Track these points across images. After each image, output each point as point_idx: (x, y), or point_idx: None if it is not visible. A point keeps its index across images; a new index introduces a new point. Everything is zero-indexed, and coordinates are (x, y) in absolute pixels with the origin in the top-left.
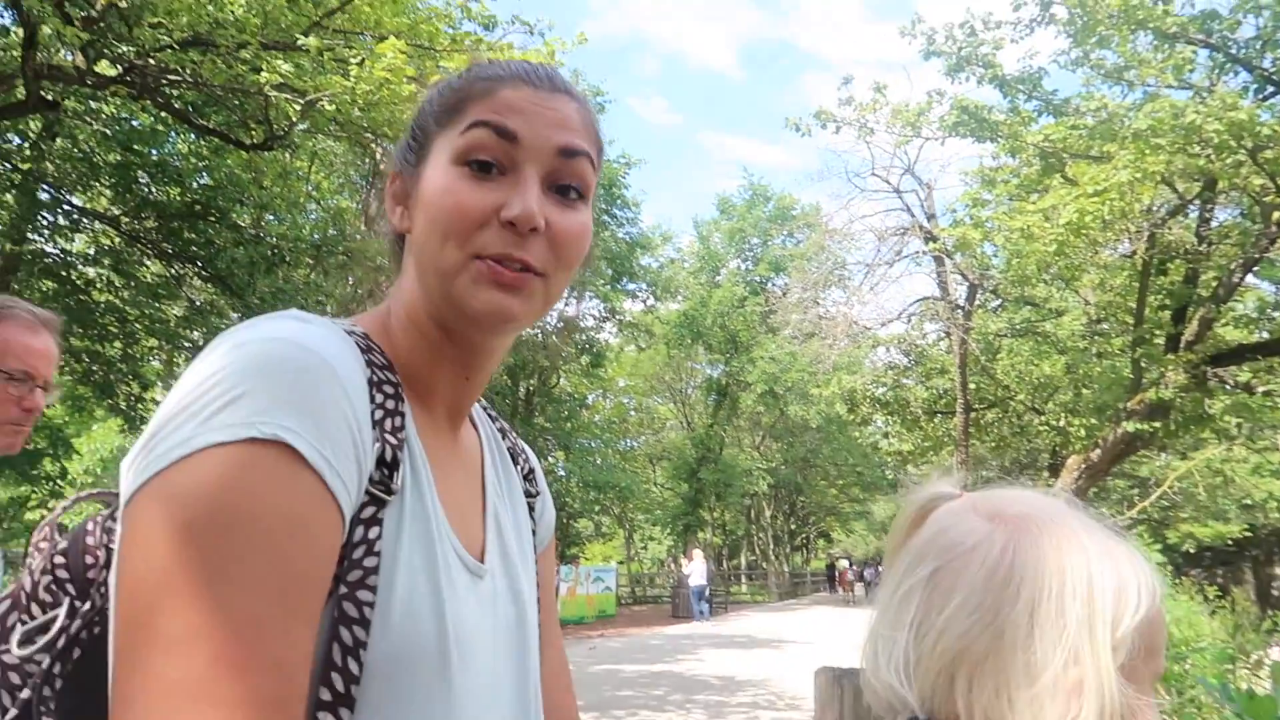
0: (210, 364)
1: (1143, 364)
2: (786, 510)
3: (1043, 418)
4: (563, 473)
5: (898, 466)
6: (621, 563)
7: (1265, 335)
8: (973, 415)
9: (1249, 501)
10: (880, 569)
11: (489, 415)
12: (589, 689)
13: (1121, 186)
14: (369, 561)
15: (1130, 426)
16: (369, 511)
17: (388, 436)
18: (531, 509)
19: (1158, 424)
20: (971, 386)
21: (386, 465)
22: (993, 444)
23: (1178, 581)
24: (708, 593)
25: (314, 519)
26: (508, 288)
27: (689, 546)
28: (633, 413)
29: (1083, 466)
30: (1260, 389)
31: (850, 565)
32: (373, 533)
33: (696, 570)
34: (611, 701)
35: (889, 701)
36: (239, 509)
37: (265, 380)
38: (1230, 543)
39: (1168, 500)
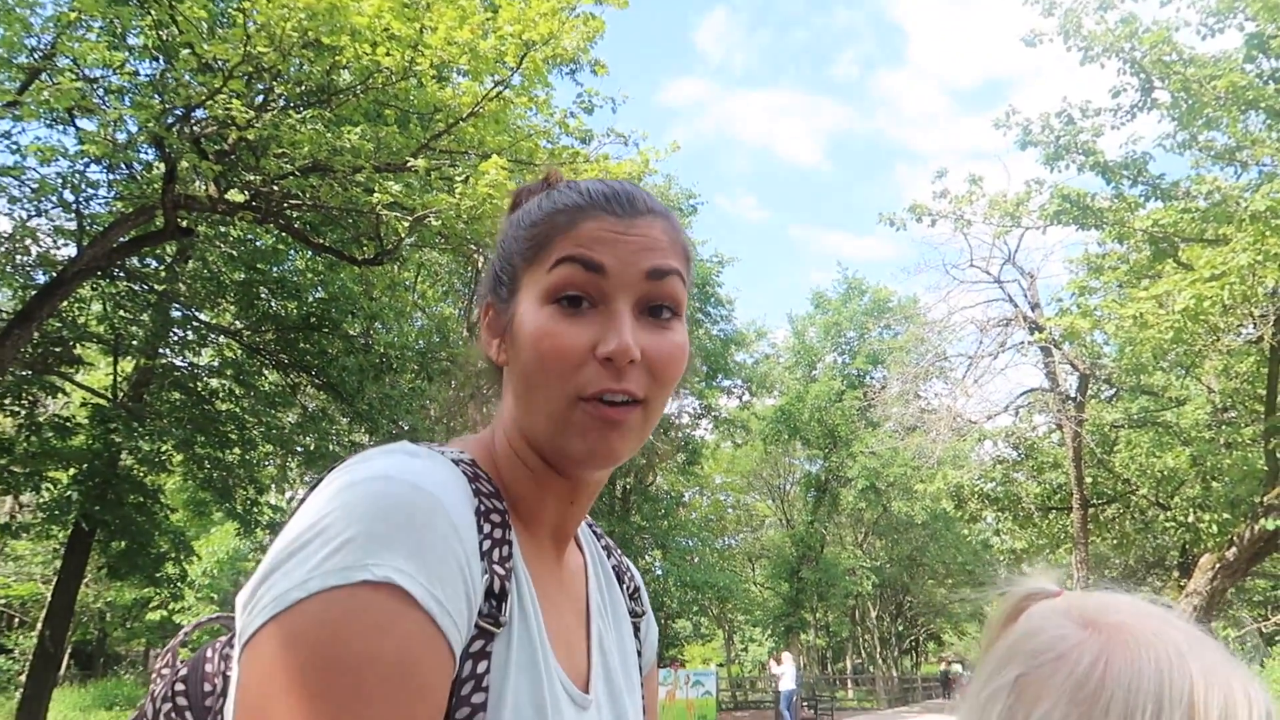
0: (323, 503)
1: (1278, 455)
2: (893, 611)
3: (1169, 513)
4: (660, 572)
5: (1011, 565)
6: (721, 665)
7: None
8: (1091, 511)
9: None
10: None
11: (594, 533)
12: None
13: (1242, 270)
14: (477, 698)
15: (1269, 523)
16: (478, 645)
17: (495, 567)
18: (637, 630)
19: None
20: (1088, 480)
21: (495, 596)
22: (1114, 541)
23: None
24: (796, 699)
25: (426, 661)
26: (612, 425)
27: (787, 648)
28: (730, 510)
29: (1217, 565)
30: None
31: (964, 670)
32: (481, 667)
33: (787, 674)
34: None
35: None
36: (353, 655)
37: (377, 521)
38: None
39: None
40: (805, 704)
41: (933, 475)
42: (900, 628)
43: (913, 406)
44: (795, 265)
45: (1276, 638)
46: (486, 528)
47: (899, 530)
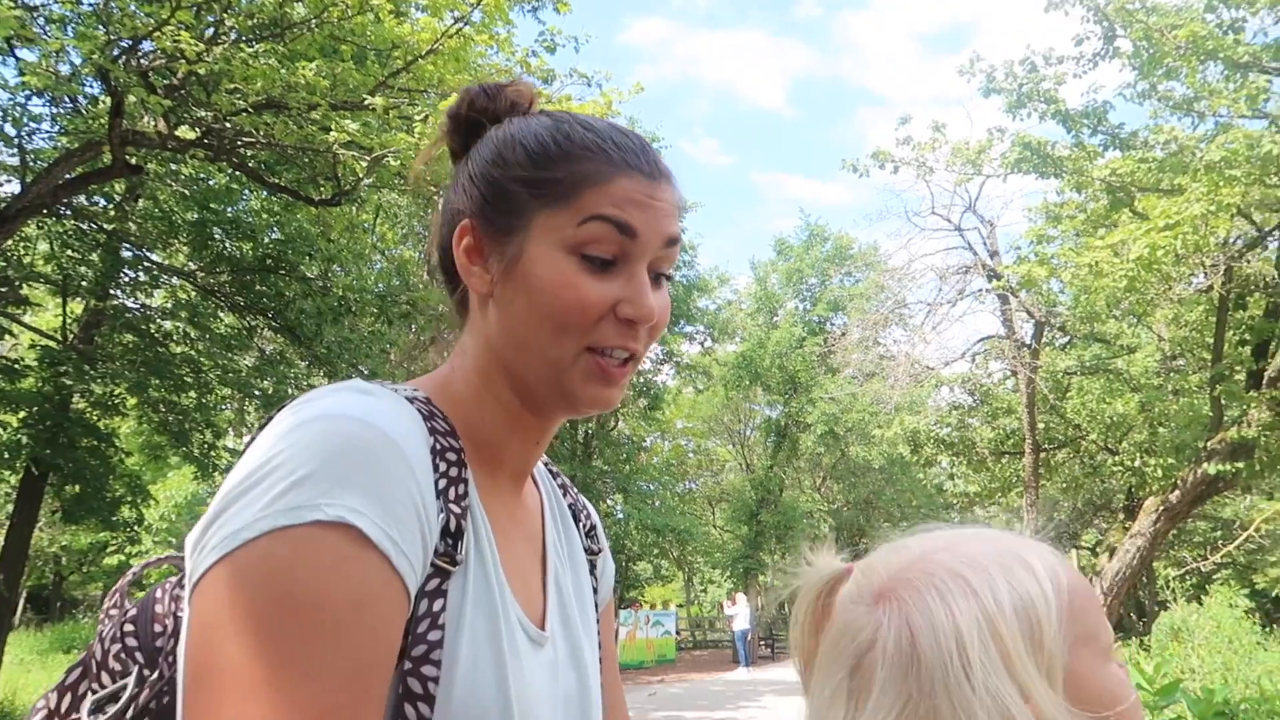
0: (274, 442)
1: (1223, 401)
2: (850, 554)
3: (1117, 458)
4: (621, 515)
5: (964, 509)
6: (681, 606)
7: None
8: (1042, 456)
9: None
10: None
11: (550, 471)
12: None
13: (1195, 220)
14: (433, 635)
15: (1211, 468)
16: (433, 584)
17: (451, 506)
18: (593, 567)
19: (1241, 464)
20: (1040, 426)
21: (451, 535)
22: (1064, 485)
23: (1269, 630)
24: (751, 638)
25: (380, 601)
26: (613, 380)
27: (744, 589)
28: (691, 455)
29: (1161, 509)
30: None
31: None
32: (437, 605)
33: (741, 614)
34: None
35: None
36: (306, 595)
37: (329, 460)
38: None
39: (1254, 543)
40: (763, 642)
41: (890, 421)
42: None
43: (872, 353)
44: (758, 211)
45: (1214, 576)
46: (442, 466)
47: (856, 475)
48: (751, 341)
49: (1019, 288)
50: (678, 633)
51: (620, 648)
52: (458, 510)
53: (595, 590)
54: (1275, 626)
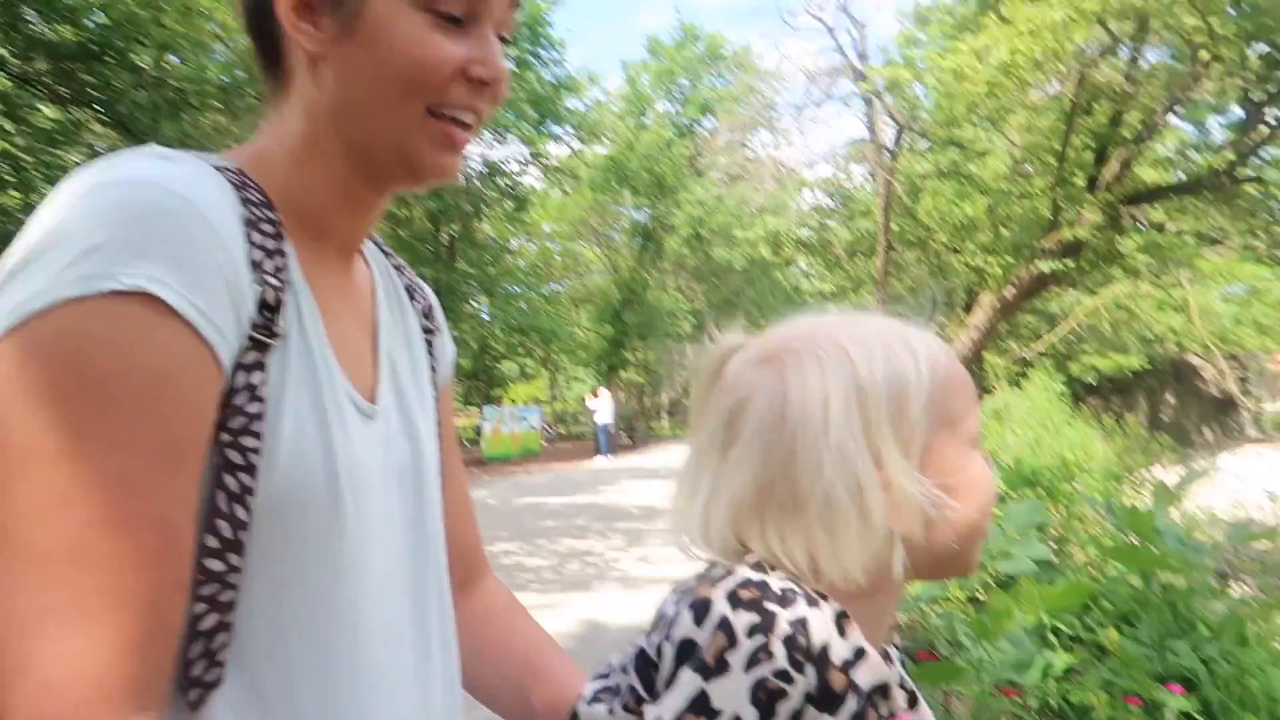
0: (65, 208)
1: (1061, 204)
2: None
3: (961, 257)
4: (486, 317)
5: (819, 307)
6: (546, 402)
7: (1182, 176)
8: (893, 256)
9: (1149, 335)
10: None
11: (383, 251)
12: (513, 522)
13: (1055, 25)
14: (253, 408)
15: (1045, 266)
16: (252, 357)
17: (269, 279)
18: (430, 347)
19: (1071, 262)
20: (894, 228)
21: (269, 308)
22: (911, 284)
23: (1077, 409)
24: (613, 430)
25: (187, 371)
26: (456, 148)
27: (607, 385)
28: (557, 257)
29: (996, 304)
30: (1171, 228)
31: None
32: (256, 378)
33: (603, 408)
34: (535, 532)
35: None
36: (105, 366)
37: (126, 227)
38: (1129, 374)
39: (1074, 334)
40: (625, 434)
41: (753, 223)
42: None
43: (738, 156)
44: (632, 7)
45: (1035, 365)
46: (257, 238)
47: (718, 276)
48: (620, 144)
49: (885, 91)
50: (542, 427)
51: (486, 442)
52: (276, 283)
53: (434, 369)
54: (1083, 406)
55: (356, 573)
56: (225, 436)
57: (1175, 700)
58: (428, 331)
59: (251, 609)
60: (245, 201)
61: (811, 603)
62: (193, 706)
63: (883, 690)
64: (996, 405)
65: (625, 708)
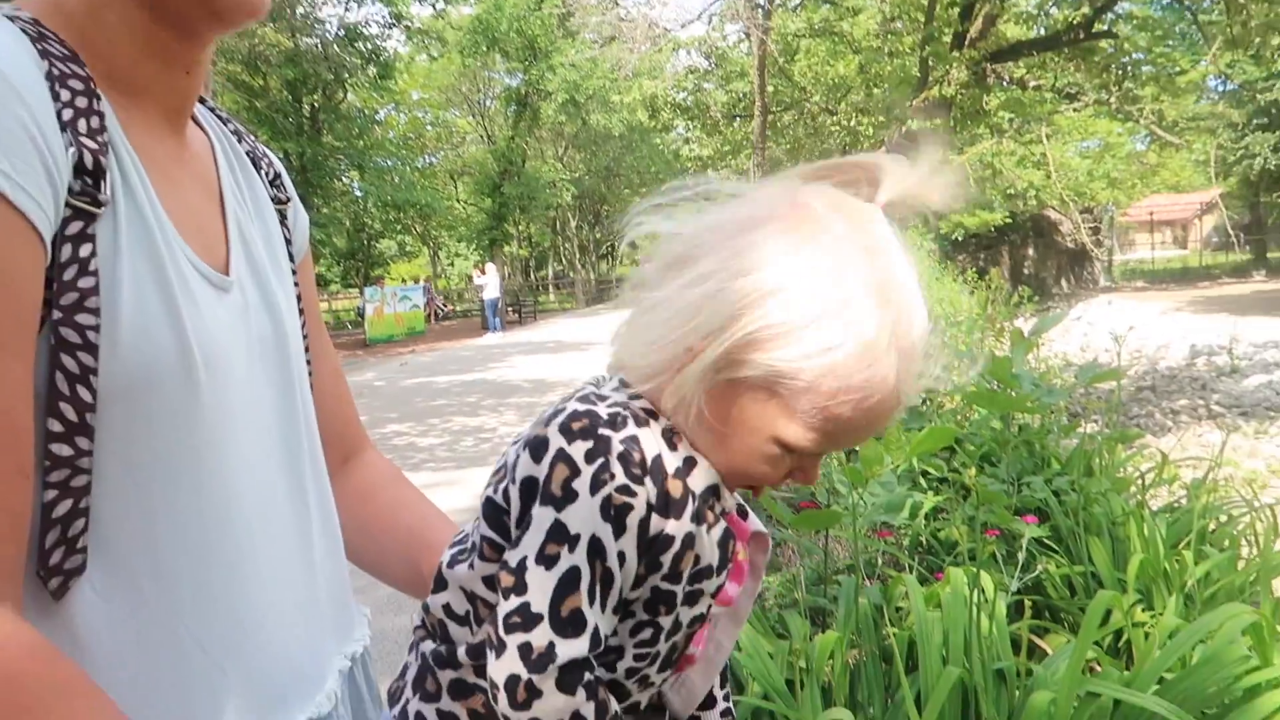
0: None
1: (930, 62)
2: (591, 220)
3: (835, 118)
4: (359, 193)
5: (698, 172)
6: (428, 279)
7: (1042, 31)
8: (770, 118)
9: (1012, 191)
10: None
11: (220, 117)
12: (402, 402)
13: None
14: (85, 282)
15: (914, 124)
16: (76, 227)
17: (84, 140)
18: (283, 217)
19: (939, 120)
20: (770, 89)
21: (88, 173)
22: (789, 146)
23: (945, 266)
24: (500, 305)
25: (1, 244)
26: None
27: (491, 260)
28: (429, 128)
29: None
30: (1032, 84)
31: None
32: (84, 250)
33: (491, 284)
34: (426, 411)
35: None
36: None
37: None
38: (993, 230)
39: None
40: (510, 309)
41: (629, 87)
42: (598, 235)
43: (610, 15)
44: None
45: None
46: (65, 95)
47: (597, 143)
48: (487, 3)
49: None
50: (438, 303)
51: (369, 323)
52: (93, 145)
53: (289, 241)
54: (950, 263)
55: (222, 451)
56: (57, 314)
57: (1029, 529)
58: (278, 201)
59: (110, 492)
60: (46, 55)
61: (640, 422)
62: (56, 595)
63: (714, 491)
64: None
65: (484, 558)
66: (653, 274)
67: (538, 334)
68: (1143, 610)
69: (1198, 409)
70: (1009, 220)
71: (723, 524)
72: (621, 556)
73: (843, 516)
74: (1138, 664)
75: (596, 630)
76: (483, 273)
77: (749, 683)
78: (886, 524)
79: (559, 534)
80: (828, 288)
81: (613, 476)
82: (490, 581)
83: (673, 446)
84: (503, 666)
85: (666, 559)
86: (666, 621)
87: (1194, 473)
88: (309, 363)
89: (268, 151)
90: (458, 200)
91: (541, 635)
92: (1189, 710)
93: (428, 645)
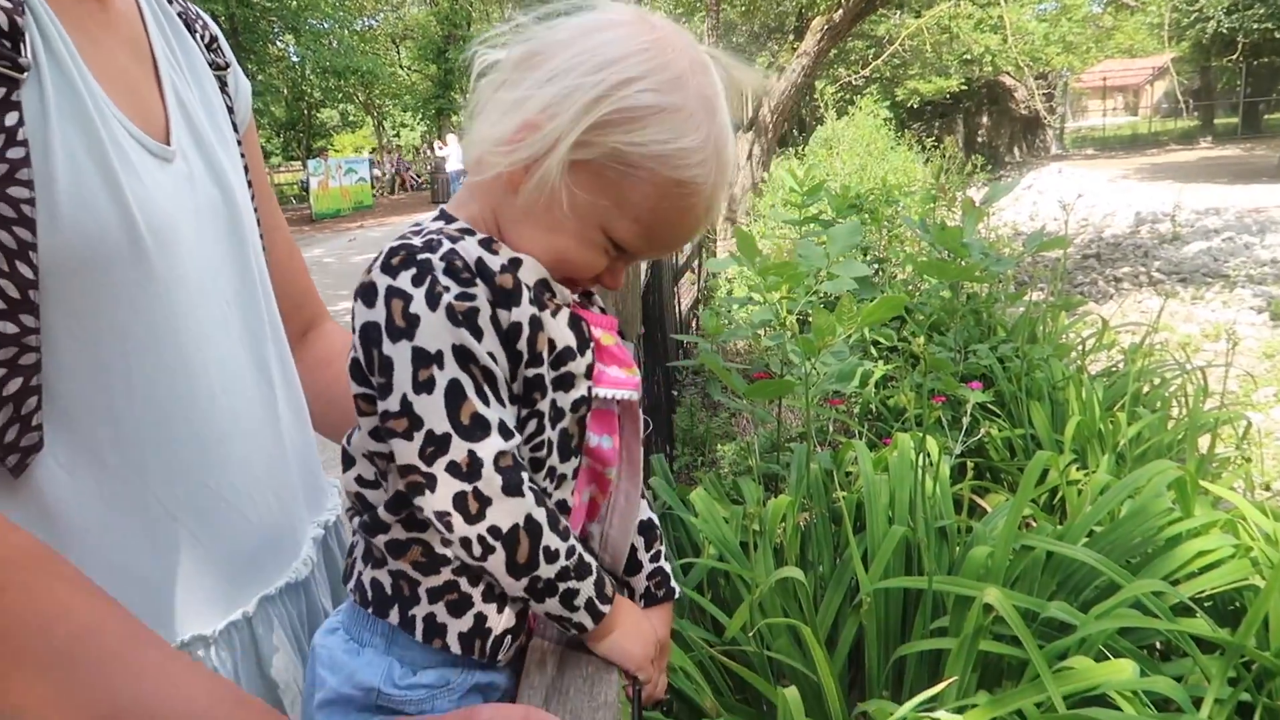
0: None
1: None
2: None
3: None
4: (295, 59)
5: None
6: (374, 151)
7: None
8: None
9: (968, 56)
10: None
11: None
12: (352, 279)
13: None
14: (14, 153)
15: None
16: None
17: None
18: (223, 84)
19: None
20: None
21: (5, 35)
22: (743, 8)
23: (900, 135)
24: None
25: None
26: None
27: (443, 130)
28: None
29: (825, 28)
30: None
31: None
32: (10, 118)
33: (453, 154)
34: None
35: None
36: None
37: None
38: (948, 96)
39: (899, 59)
40: (461, 180)
41: None
42: None
43: None
44: None
45: (864, 90)
46: None
47: (543, 1)
48: None
49: None
50: (372, 178)
51: (314, 198)
52: (7, 4)
53: (231, 110)
54: (906, 131)
55: (178, 321)
56: None
57: (973, 395)
58: (216, 67)
59: (65, 367)
60: None
61: (452, 239)
62: (15, 472)
63: (545, 285)
64: (826, 134)
65: (362, 414)
66: (508, 70)
67: None
68: (1078, 469)
69: (1139, 276)
70: (964, 87)
71: (567, 310)
72: (491, 356)
73: (795, 385)
74: (1070, 518)
75: (502, 423)
76: (444, 144)
77: (705, 546)
78: (838, 393)
79: (421, 358)
80: (673, 87)
81: (447, 289)
82: (377, 434)
83: (494, 252)
84: (442, 494)
85: (523, 345)
86: (545, 405)
87: (1132, 338)
88: (261, 236)
89: (201, 12)
90: (401, 66)
91: (459, 449)
92: (1115, 559)
93: (357, 520)
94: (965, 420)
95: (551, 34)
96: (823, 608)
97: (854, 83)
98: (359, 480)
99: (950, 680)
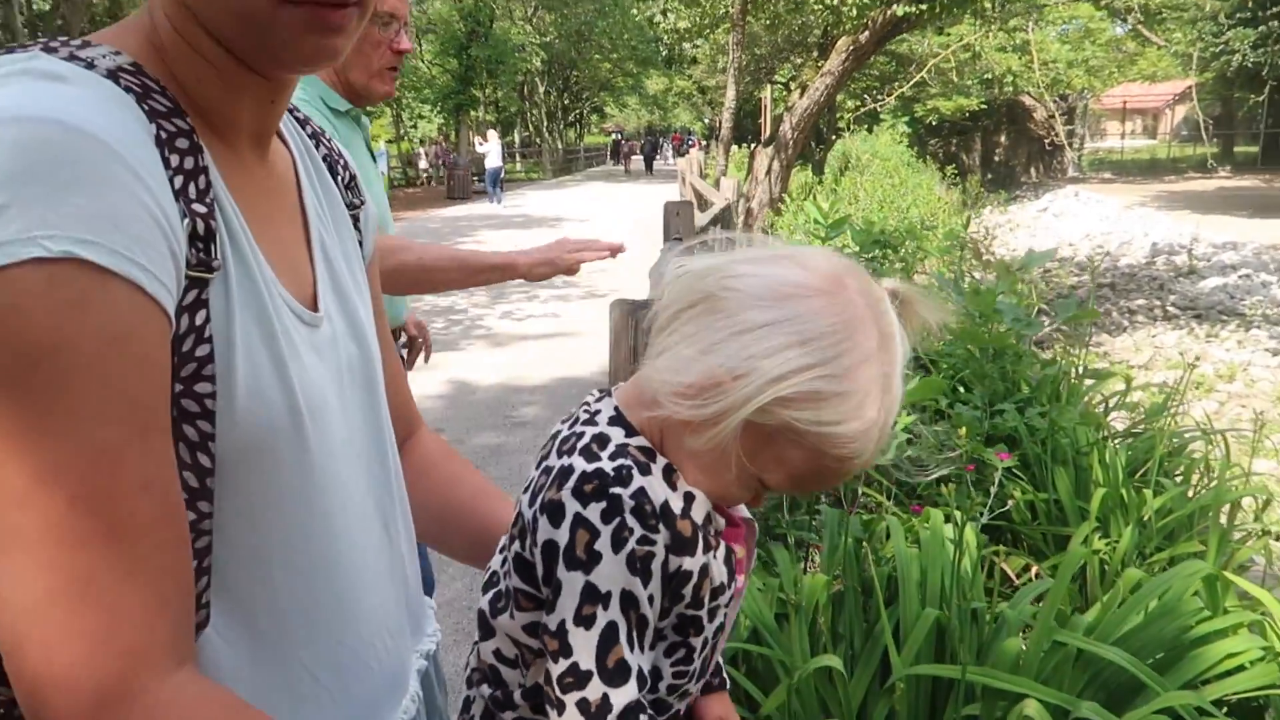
0: None
1: None
2: (560, 86)
3: None
4: None
5: (673, 44)
6: (390, 142)
7: None
8: None
9: (989, 76)
10: (659, 143)
11: (297, 119)
12: None
13: None
14: (201, 350)
15: (900, 9)
16: (191, 295)
17: (195, 206)
18: (356, 221)
19: (925, 5)
20: None
21: (201, 239)
22: (768, 21)
23: (919, 153)
24: (502, 175)
25: (138, 330)
26: (335, 30)
27: (459, 126)
28: None
29: (850, 48)
30: None
31: (624, 139)
32: (199, 318)
33: (493, 151)
34: None
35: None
36: (47, 340)
37: (33, 182)
38: (966, 115)
39: (919, 81)
40: (476, 178)
41: None
42: (566, 102)
43: None
44: None
45: (884, 113)
46: (175, 160)
47: (569, 5)
48: None
49: None
50: (389, 170)
51: None
52: (203, 209)
53: (361, 243)
54: (926, 148)
55: (326, 490)
56: (178, 387)
57: (1001, 464)
58: (352, 206)
59: (231, 545)
60: (153, 114)
61: (643, 470)
62: None
63: (709, 518)
64: (844, 149)
65: (520, 608)
66: (698, 301)
67: (505, 209)
68: (1100, 538)
69: (1154, 309)
70: (983, 106)
71: (723, 545)
72: (651, 599)
73: None
74: (1101, 612)
75: (641, 671)
76: (485, 140)
77: (740, 620)
78: None
79: (591, 595)
80: (857, 373)
81: (631, 532)
82: (531, 629)
83: (673, 486)
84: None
85: (688, 591)
86: (697, 642)
87: (1147, 374)
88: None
89: (343, 152)
90: (421, 61)
91: (595, 690)
92: (1144, 658)
93: (485, 689)
94: (994, 489)
95: (747, 280)
96: (853, 686)
97: (877, 109)
98: (497, 655)
99: None
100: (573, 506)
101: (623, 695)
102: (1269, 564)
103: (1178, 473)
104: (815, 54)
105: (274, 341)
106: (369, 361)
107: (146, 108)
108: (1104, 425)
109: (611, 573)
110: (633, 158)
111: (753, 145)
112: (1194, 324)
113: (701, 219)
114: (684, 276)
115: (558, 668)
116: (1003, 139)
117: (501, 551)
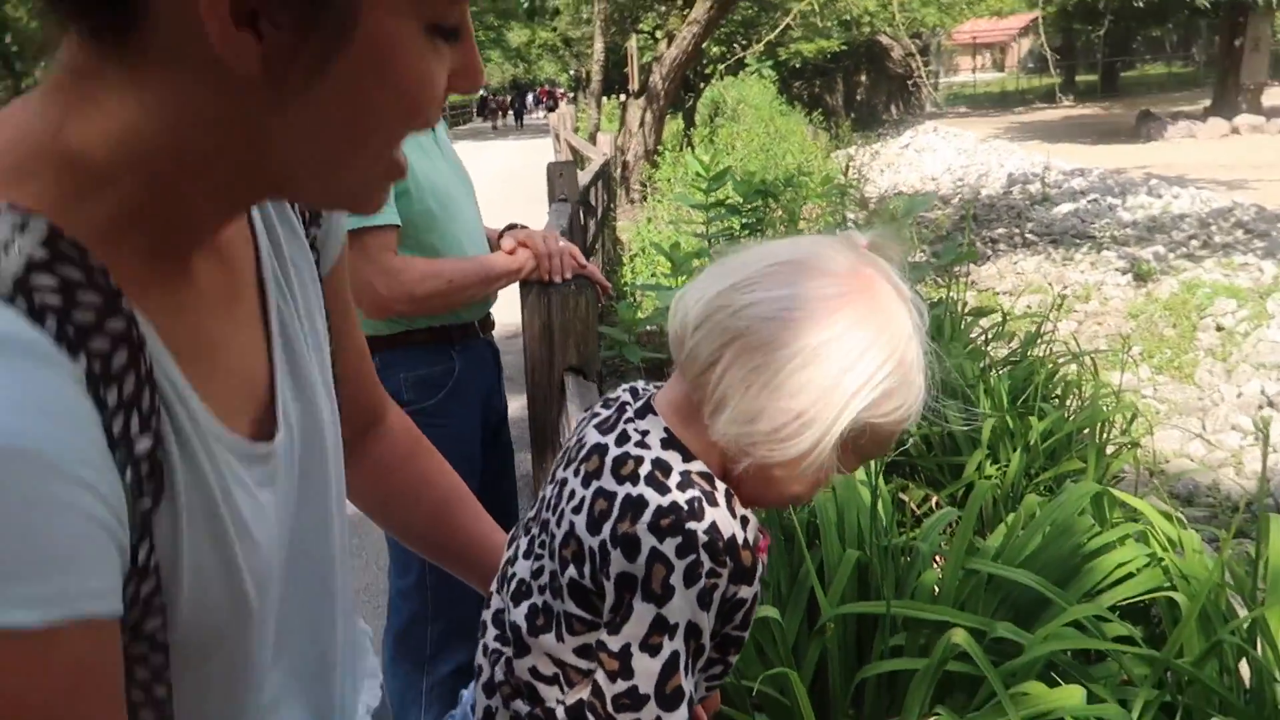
0: None
1: None
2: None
3: None
4: None
5: None
6: None
7: None
8: None
9: (847, 18)
10: (526, 97)
11: None
12: None
13: None
14: (146, 587)
15: None
16: (136, 535)
17: (139, 445)
18: (314, 241)
19: None
20: None
21: (149, 481)
22: None
23: (783, 94)
24: None
25: (104, 664)
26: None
27: None
28: None
29: None
30: None
31: (490, 94)
32: (142, 553)
33: None
34: None
35: (674, 336)
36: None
37: None
38: (828, 57)
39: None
40: None
41: None
42: None
43: None
44: None
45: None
46: (112, 397)
47: None
48: None
49: None
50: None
51: None
52: (146, 444)
53: (318, 263)
54: (790, 90)
55: (265, 637)
56: (126, 637)
57: None
58: (310, 232)
59: (178, 712)
60: (80, 338)
61: (711, 501)
62: None
63: (757, 539)
64: (714, 95)
65: (573, 632)
66: (740, 347)
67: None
68: (991, 463)
69: (1014, 237)
70: (844, 48)
71: (762, 564)
72: (708, 629)
73: None
74: (1005, 537)
75: (690, 696)
76: None
77: None
78: None
79: (660, 626)
80: (908, 355)
81: (703, 567)
82: (583, 652)
83: (733, 512)
84: None
85: (739, 615)
86: (734, 659)
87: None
88: (339, 349)
89: None
90: None
91: (649, 713)
92: (1047, 576)
93: (520, 705)
94: None
95: (781, 305)
96: (785, 630)
97: (744, 58)
98: (533, 672)
99: None
100: (649, 541)
101: (674, 719)
102: (1137, 471)
103: (1055, 394)
104: (680, 3)
105: (223, 541)
106: (322, 454)
107: (71, 331)
108: (987, 356)
109: (682, 606)
110: (503, 114)
111: (622, 97)
112: (1050, 249)
113: (584, 178)
114: (706, 321)
115: (614, 688)
116: (864, 79)
117: (530, 559)
